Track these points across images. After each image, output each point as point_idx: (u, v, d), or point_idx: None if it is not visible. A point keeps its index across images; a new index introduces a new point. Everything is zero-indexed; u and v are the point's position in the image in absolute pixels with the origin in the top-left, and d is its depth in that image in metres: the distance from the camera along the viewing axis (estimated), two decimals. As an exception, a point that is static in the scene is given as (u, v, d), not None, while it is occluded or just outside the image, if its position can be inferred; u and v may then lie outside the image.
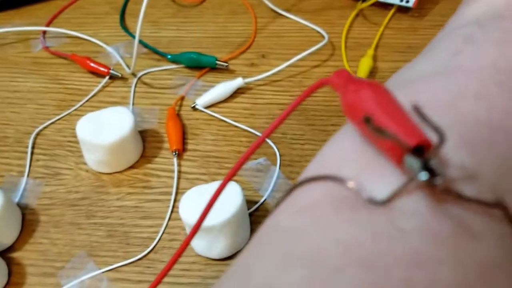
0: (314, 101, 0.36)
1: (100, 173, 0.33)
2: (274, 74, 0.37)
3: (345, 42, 0.41)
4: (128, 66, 0.39)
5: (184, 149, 0.34)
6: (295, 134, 0.34)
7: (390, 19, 0.42)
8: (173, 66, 0.40)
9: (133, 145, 0.32)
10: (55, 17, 0.46)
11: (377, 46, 0.40)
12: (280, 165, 0.32)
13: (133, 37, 0.41)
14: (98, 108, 0.37)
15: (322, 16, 0.43)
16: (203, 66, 0.39)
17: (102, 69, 0.39)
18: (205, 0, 0.46)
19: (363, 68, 0.37)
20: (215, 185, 0.28)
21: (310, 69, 0.39)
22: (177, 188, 0.31)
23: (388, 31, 0.41)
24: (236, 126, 0.35)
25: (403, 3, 0.40)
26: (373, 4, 0.42)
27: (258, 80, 0.37)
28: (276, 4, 0.44)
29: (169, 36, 0.43)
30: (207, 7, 0.45)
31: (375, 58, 0.39)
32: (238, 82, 0.37)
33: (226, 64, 0.39)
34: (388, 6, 0.42)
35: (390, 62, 0.39)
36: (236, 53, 0.40)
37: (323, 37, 0.40)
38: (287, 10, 0.44)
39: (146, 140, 0.35)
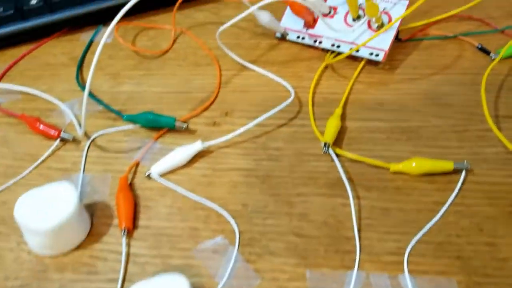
0: (279, 166, 0.34)
1: (42, 256, 0.30)
2: (237, 136, 0.35)
3: (313, 97, 0.38)
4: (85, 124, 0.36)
5: (135, 226, 0.31)
6: (257, 206, 0.32)
7: (359, 73, 0.40)
8: (130, 126, 0.37)
9: (78, 226, 0.30)
10: (8, 70, 0.43)
11: (346, 102, 0.38)
12: (239, 245, 0.30)
13: (89, 94, 0.38)
14: (46, 176, 0.35)
15: (289, 68, 0.41)
16: (162, 127, 0.37)
17: (52, 132, 0.36)
18: (168, 50, 0.44)
19: (330, 129, 0.35)
20: (161, 280, 0.26)
21: (275, 128, 0.37)
22: (125, 274, 0.29)
23: (358, 85, 0.39)
24: (192, 198, 0.32)
25: (373, 57, 0.38)
26: (344, 60, 0.40)
27: (220, 142, 0.35)
28: (241, 55, 0.42)
29: (128, 91, 0.41)
30: (170, 58, 0.43)
31: (343, 116, 0.37)
32: (197, 146, 0.34)
33: (186, 125, 0.36)
34: (358, 58, 0.40)
35: (359, 121, 0.36)
36: (198, 111, 0.38)
37: (289, 92, 0.38)
38: (253, 62, 0.42)
39: (95, 215, 0.32)
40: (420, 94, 0.38)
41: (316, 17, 0.42)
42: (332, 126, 0.35)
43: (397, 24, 0.39)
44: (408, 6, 0.39)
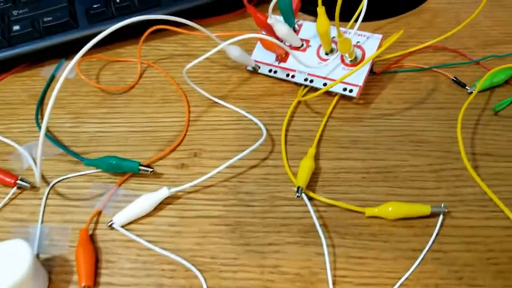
0: (251, 212, 0.32)
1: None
2: (206, 180, 0.33)
3: (286, 136, 0.37)
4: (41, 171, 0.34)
5: (96, 283, 0.29)
6: (227, 258, 0.30)
7: (333, 108, 0.39)
8: (93, 170, 0.35)
9: (33, 286, 0.27)
10: (-37, 109, 0.40)
11: (320, 140, 0.36)
12: (207, 303, 0.28)
13: (47, 136, 0.36)
14: (2, 228, 0.32)
15: (261, 104, 0.39)
16: (125, 172, 0.34)
17: (8, 179, 0.34)
18: (134, 86, 0.42)
19: (303, 172, 0.33)
20: None
21: (247, 170, 0.35)
22: None
23: (332, 121, 0.38)
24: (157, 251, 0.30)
25: (347, 93, 0.37)
26: (317, 90, 0.39)
27: (187, 188, 0.33)
28: (211, 90, 0.40)
29: (91, 131, 0.38)
30: (136, 94, 0.41)
31: (317, 156, 0.35)
32: (162, 193, 0.32)
33: (151, 170, 0.34)
34: (332, 93, 0.39)
35: (334, 161, 0.35)
36: (165, 152, 0.36)
37: (261, 129, 0.36)
38: (224, 98, 0.40)
39: (54, 271, 0.30)
40: (395, 131, 0.36)
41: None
42: (305, 168, 0.33)
43: (371, 59, 0.37)
44: (382, 40, 0.38)
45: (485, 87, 0.39)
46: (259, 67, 0.41)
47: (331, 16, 0.31)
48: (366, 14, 0.42)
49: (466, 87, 0.39)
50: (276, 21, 0.38)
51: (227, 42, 0.35)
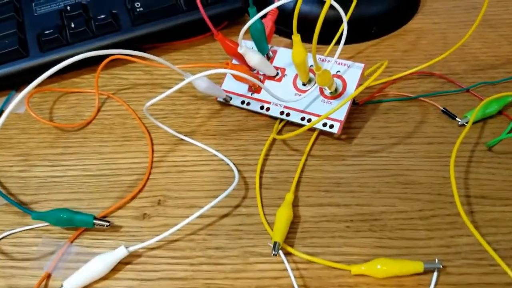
0: (221, 271, 0.28)
1: None
2: (170, 234, 0.29)
3: (261, 178, 0.33)
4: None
5: None
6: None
7: (313, 144, 0.35)
8: (42, 224, 0.31)
9: None
10: None
11: (298, 183, 0.33)
12: None
13: (-11, 186, 0.32)
14: None
15: (233, 140, 0.35)
16: (78, 226, 0.30)
17: None
18: (92, 121, 0.37)
19: (280, 224, 0.29)
20: None
21: (217, 220, 0.31)
22: None
23: (312, 160, 0.34)
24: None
25: (327, 129, 0.33)
26: (294, 125, 0.35)
27: (149, 244, 0.29)
28: (178, 125, 0.36)
29: (41, 175, 0.34)
30: (93, 132, 0.37)
31: (296, 201, 0.32)
32: (119, 253, 0.28)
33: (107, 224, 0.30)
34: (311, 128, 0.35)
35: (314, 207, 0.31)
36: (124, 200, 0.32)
37: (233, 171, 0.33)
38: (192, 134, 0.36)
39: None
40: (382, 170, 0.33)
41: (262, 80, 0.37)
42: (282, 219, 0.30)
43: (353, 88, 0.34)
44: (364, 69, 0.34)
45: (477, 119, 0.35)
46: (231, 98, 0.37)
47: (309, 38, 0.28)
48: (346, 34, 0.39)
49: (457, 118, 0.36)
50: (247, 50, 0.34)
51: (192, 77, 0.31)
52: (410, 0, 0.43)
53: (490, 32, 0.42)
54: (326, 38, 0.40)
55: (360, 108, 0.37)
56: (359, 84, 0.34)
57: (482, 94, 0.37)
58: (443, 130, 0.35)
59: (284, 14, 0.41)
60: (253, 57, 0.34)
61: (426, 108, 0.37)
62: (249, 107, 0.37)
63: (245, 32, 0.31)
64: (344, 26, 0.33)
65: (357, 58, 0.41)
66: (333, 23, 0.39)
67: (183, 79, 0.31)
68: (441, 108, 0.36)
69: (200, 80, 0.34)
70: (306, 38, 0.36)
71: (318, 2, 0.41)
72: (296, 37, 0.31)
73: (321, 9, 0.41)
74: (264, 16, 0.36)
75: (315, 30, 0.27)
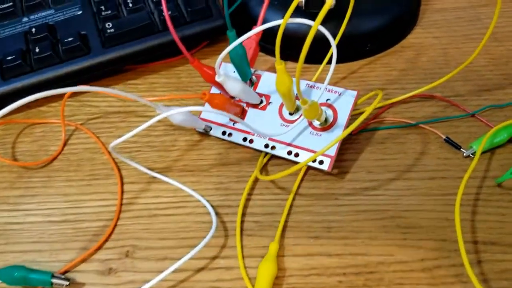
0: None
1: None
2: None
3: (242, 222, 0.29)
4: None
5: None
6: None
7: (301, 181, 0.31)
8: (-5, 281, 0.27)
9: None
10: None
11: (285, 227, 0.29)
12: None
13: None
14: None
15: (212, 177, 0.32)
16: (35, 285, 0.27)
17: None
18: (57, 157, 0.34)
19: (263, 280, 0.26)
20: None
21: (192, 275, 0.28)
22: None
23: (300, 200, 0.30)
24: None
25: (316, 165, 0.30)
26: (279, 158, 0.32)
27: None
28: (151, 160, 0.33)
29: (-1, 222, 0.30)
30: (58, 169, 0.33)
31: (281, 251, 0.28)
32: (79, 320, 0.24)
33: (67, 283, 0.26)
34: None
35: (302, 257, 0.28)
36: (88, 252, 0.28)
37: (211, 215, 0.29)
38: (167, 171, 0.32)
39: None
40: (378, 211, 0.29)
41: (244, 107, 0.33)
42: (265, 275, 0.26)
43: (345, 119, 0.30)
44: (357, 97, 0.31)
45: (485, 149, 0.31)
46: (210, 129, 0.34)
47: (298, 57, 0.24)
48: (339, 53, 0.35)
49: (462, 149, 0.32)
50: (227, 79, 0.30)
51: (165, 114, 0.27)
52: (408, 13, 0.40)
53: (496, 47, 0.39)
54: (316, 56, 0.36)
55: (354, 138, 0.33)
56: (352, 114, 0.30)
57: (489, 119, 0.33)
58: (446, 163, 0.31)
59: (270, 31, 0.37)
60: (234, 86, 0.31)
61: (427, 136, 0.33)
62: (231, 139, 0.33)
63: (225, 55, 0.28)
64: (333, 51, 0.29)
65: (351, 79, 0.37)
66: (324, 40, 0.35)
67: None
68: (444, 137, 0.33)
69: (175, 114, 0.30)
70: (294, 56, 0.33)
71: (309, 15, 0.37)
72: (280, 65, 0.27)
73: (310, 26, 0.37)
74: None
75: (299, 60, 0.23)
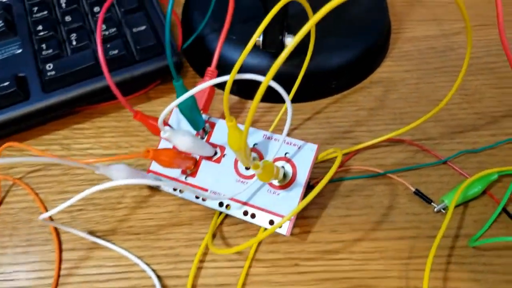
0: None
1: None
2: None
3: (192, 295, 0.26)
4: None
5: None
6: None
7: (259, 244, 0.28)
8: None
9: None
10: None
11: (240, 300, 0.26)
12: None
13: None
14: None
15: (161, 241, 0.29)
16: None
17: None
18: (-10, 218, 0.30)
19: None
20: None
21: None
22: None
23: (257, 267, 0.28)
24: None
25: (278, 230, 0.27)
26: (237, 223, 0.29)
27: None
28: (95, 222, 0.30)
29: None
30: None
31: (235, 329, 0.25)
32: None
33: None
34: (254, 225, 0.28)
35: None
36: (19, 335, 0.25)
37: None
38: (111, 234, 0.29)
39: None
40: (342, 280, 0.27)
41: (197, 159, 0.30)
42: None
43: (305, 175, 0.27)
44: (318, 151, 0.28)
45: (457, 203, 0.29)
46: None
47: (255, 87, 0.21)
48: (302, 91, 0.33)
49: (432, 203, 0.29)
50: (174, 134, 0.27)
51: (105, 185, 0.24)
52: (377, 44, 0.37)
53: (470, 81, 0.36)
54: (277, 95, 0.33)
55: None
56: (312, 170, 0.28)
57: (462, 166, 0.31)
58: (416, 219, 0.29)
59: (229, 66, 0.34)
60: (182, 141, 0.28)
61: (395, 187, 0.30)
62: (183, 195, 0.30)
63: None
64: (288, 107, 0.26)
65: (315, 120, 0.34)
66: (289, 75, 0.32)
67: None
68: (413, 189, 0.30)
69: (115, 171, 0.27)
70: (254, 94, 0.30)
71: (267, 54, 0.34)
72: (231, 122, 0.24)
73: (271, 61, 0.34)
74: (202, 75, 0.29)
75: (244, 128, 0.20)
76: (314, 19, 0.15)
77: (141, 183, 0.24)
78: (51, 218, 0.30)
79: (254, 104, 0.19)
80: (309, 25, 0.15)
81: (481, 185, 0.29)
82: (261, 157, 0.29)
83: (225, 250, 0.26)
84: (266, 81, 0.18)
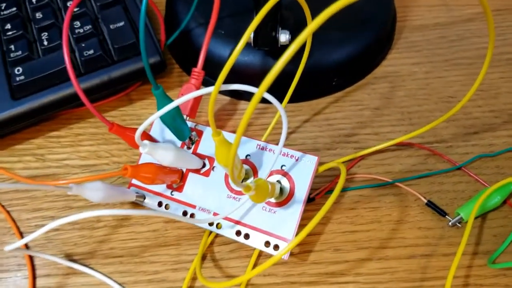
0: None
1: None
2: None
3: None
4: None
5: None
6: None
7: (254, 266, 0.25)
8: None
9: None
10: None
11: (233, 333, 0.23)
12: None
13: None
14: None
15: (145, 265, 0.26)
16: None
17: None
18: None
19: None
20: None
21: None
22: None
23: (252, 294, 0.24)
24: None
25: (269, 250, 0.24)
26: (230, 243, 0.26)
27: None
28: (72, 243, 0.27)
29: None
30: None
31: None
32: None
33: None
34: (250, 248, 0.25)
35: None
36: None
37: None
38: (88, 258, 0.26)
39: None
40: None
41: (184, 172, 0.27)
42: None
43: (305, 191, 0.24)
44: (317, 163, 0.25)
45: (475, 216, 0.26)
46: (144, 198, 0.27)
47: (251, 95, 0.18)
48: (300, 90, 0.29)
49: (447, 216, 0.26)
50: (154, 149, 0.24)
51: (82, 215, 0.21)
52: (381, 35, 0.33)
53: (485, 74, 0.32)
54: (276, 95, 0.30)
55: (318, 203, 0.27)
56: (311, 185, 0.24)
57: (479, 172, 0.28)
58: (429, 235, 0.26)
59: (217, 64, 0.31)
60: (164, 156, 0.24)
61: (405, 198, 0.27)
62: (169, 212, 0.27)
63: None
64: (283, 117, 0.23)
65: (314, 122, 0.31)
66: (284, 73, 0.29)
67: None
68: (425, 200, 0.27)
69: (89, 191, 0.24)
70: (248, 96, 0.27)
71: (259, 52, 0.31)
72: (217, 136, 0.21)
73: (264, 59, 0.31)
74: (189, 73, 0.26)
75: (232, 148, 0.17)
76: (312, 26, 0.12)
77: (119, 214, 0.20)
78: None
79: (245, 120, 0.15)
80: (307, 33, 0.12)
81: (501, 195, 0.26)
82: (254, 170, 0.26)
83: (215, 284, 0.22)
84: (257, 95, 0.14)
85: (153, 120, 0.22)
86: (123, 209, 0.19)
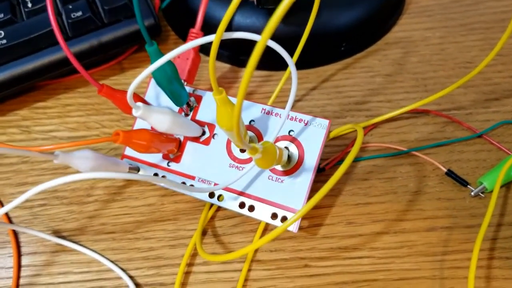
0: None
1: None
2: None
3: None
4: None
5: None
6: None
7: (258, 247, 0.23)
8: None
9: None
10: None
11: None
12: None
13: None
14: None
15: (141, 240, 0.24)
16: None
17: None
18: None
19: None
20: None
21: None
22: None
23: (258, 269, 0.22)
24: None
25: (276, 222, 0.22)
26: (232, 217, 0.23)
27: None
28: (61, 219, 0.25)
29: None
30: None
31: None
32: None
33: None
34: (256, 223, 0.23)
35: None
36: None
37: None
38: (78, 234, 0.24)
39: None
40: (363, 283, 0.22)
41: (182, 140, 0.25)
42: None
43: (315, 158, 0.22)
44: (329, 127, 0.22)
45: (503, 183, 0.24)
46: (138, 169, 0.25)
47: (250, 52, 0.15)
48: (306, 55, 0.27)
49: (469, 186, 0.24)
50: (148, 112, 0.22)
51: (81, 177, 0.18)
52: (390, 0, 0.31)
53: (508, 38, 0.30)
54: (280, 61, 0.28)
55: (328, 173, 0.25)
56: (323, 150, 0.22)
57: (502, 139, 0.26)
58: (449, 206, 0.24)
59: (217, 27, 0.28)
60: (160, 121, 0.22)
61: (422, 168, 0.25)
62: (165, 185, 0.24)
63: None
64: (293, 74, 0.21)
65: (322, 90, 0.28)
66: (290, 38, 0.26)
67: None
68: (445, 170, 0.25)
69: (78, 160, 0.22)
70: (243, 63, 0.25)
71: (264, 12, 0.28)
72: (219, 95, 0.19)
73: (267, 20, 0.28)
74: (184, 40, 0.24)
75: (238, 99, 0.14)
76: None
77: (112, 177, 0.18)
78: (7, 216, 0.25)
79: (249, 69, 0.13)
80: None
81: (527, 162, 0.24)
82: (259, 137, 0.23)
83: (218, 257, 0.20)
84: (263, 39, 0.12)
85: (146, 75, 0.19)
86: (114, 172, 0.17)
